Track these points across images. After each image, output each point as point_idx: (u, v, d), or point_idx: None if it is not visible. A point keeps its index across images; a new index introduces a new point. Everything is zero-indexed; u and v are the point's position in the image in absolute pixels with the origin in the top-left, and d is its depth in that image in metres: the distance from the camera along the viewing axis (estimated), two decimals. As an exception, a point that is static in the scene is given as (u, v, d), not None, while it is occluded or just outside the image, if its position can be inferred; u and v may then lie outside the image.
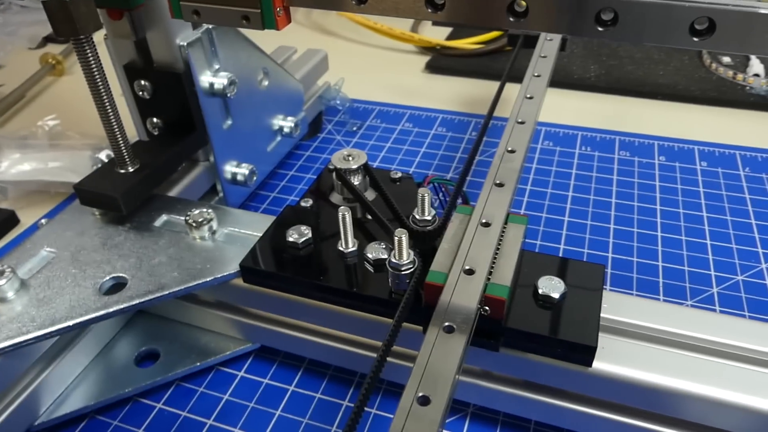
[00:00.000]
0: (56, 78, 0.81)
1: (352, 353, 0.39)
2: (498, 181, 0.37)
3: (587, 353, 0.31)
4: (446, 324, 0.28)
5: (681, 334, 0.33)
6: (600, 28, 0.27)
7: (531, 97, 0.45)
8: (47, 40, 0.91)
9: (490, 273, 0.31)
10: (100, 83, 0.37)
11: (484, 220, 0.34)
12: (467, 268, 0.31)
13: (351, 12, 0.30)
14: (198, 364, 0.41)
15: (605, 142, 0.64)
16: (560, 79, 0.73)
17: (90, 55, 0.36)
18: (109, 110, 0.38)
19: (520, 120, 0.42)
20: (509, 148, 0.40)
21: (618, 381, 0.32)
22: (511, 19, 0.27)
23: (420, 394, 0.25)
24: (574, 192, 0.56)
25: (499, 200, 0.35)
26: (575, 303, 0.33)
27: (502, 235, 0.34)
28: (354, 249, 0.36)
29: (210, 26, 0.44)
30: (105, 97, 0.38)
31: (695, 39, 0.26)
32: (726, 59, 0.75)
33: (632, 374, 0.31)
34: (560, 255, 0.49)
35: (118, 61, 0.44)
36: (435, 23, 0.66)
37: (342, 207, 0.35)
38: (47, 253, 0.39)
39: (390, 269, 0.33)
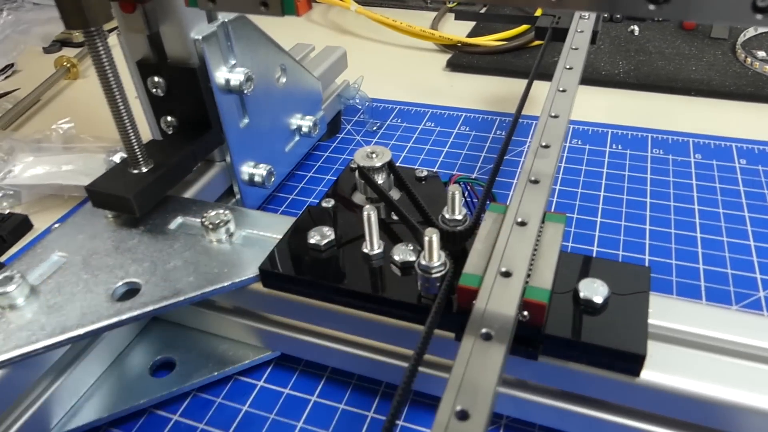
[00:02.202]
0: (71, 81, 0.80)
1: (378, 362, 0.37)
2: (533, 178, 0.34)
3: (635, 362, 0.29)
4: (483, 331, 0.26)
5: (736, 341, 0.31)
6: (651, 7, 0.24)
7: (564, 90, 0.43)
8: (63, 44, 0.90)
9: (528, 275, 0.29)
10: (111, 78, 0.35)
11: (519, 219, 0.31)
12: (504, 270, 0.29)
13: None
14: (216, 373, 0.39)
15: (637, 139, 0.61)
16: (588, 76, 0.71)
17: (101, 48, 0.34)
18: (121, 106, 0.36)
19: (553, 114, 0.40)
20: (543, 143, 0.37)
21: (668, 392, 0.29)
22: (553, -2, 0.25)
23: (458, 408, 0.23)
24: (605, 192, 0.54)
25: (534, 198, 0.33)
26: (620, 308, 0.30)
27: (539, 235, 0.31)
28: (380, 251, 0.34)
29: (226, 19, 0.42)
30: (117, 92, 0.36)
31: (758, 17, 0.24)
32: (761, 53, 0.72)
33: (684, 385, 0.29)
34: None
35: (131, 57, 0.42)
36: (458, 16, 0.63)
37: (367, 206, 0.33)
38: (58, 258, 0.37)
39: (419, 272, 0.31)
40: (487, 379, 0.24)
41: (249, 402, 0.38)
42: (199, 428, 0.37)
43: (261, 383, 0.39)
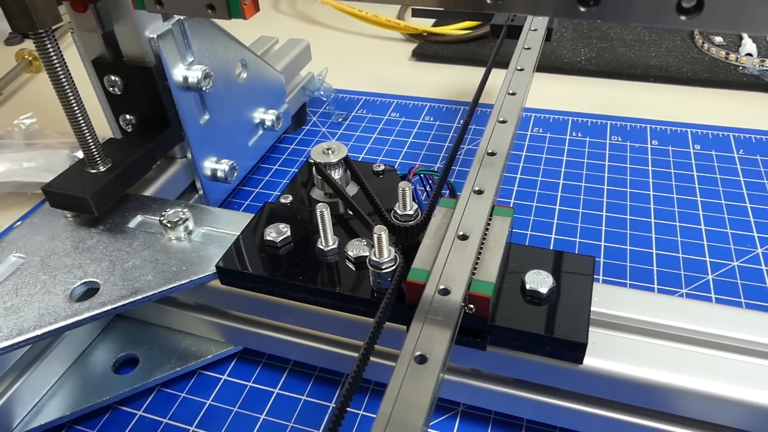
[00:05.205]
0: (33, 75, 0.79)
1: (338, 354, 0.37)
2: (477, 188, 0.34)
3: (577, 350, 0.30)
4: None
5: (675, 326, 0.32)
6: (582, 8, 0.25)
7: (514, 93, 0.43)
8: (24, 36, 0.89)
9: (474, 269, 0.30)
10: (63, 79, 0.35)
11: (461, 233, 0.32)
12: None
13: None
14: (179, 368, 0.39)
15: (596, 127, 0.62)
16: (549, 64, 0.72)
17: (51, 49, 0.34)
18: (75, 107, 0.37)
19: (501, 119, 0.40)
20: (489, 151, 0.37)
21: (610, 377, 0.30)
22: (489, 1, 0.26)
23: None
24: (564, 179, 0.55)
25: (477, 209, 0.33)
26: (564, 297, 0.31)
27: (486, 229, 0.32)
28: (334, 247, 0.35)
29: (182, 17, 0.42)
30: (70, 93, 0.36)
31: (683, 18, 0.24)
32: (718, 39, 0.74)
33: (625, 370, 0.30)
34: (551, 245, 0.48)
35: (86, 56, 0.42)
36: (415, 14, 0.64)
37: (320, 204, 0.33)
38: (16, 259, 0.37)
39: (371, 267, 0.32)
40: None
41: (213, 396, 0.39)
42: (164, 423, 0.37)
43: (225, 377, 0.40)
